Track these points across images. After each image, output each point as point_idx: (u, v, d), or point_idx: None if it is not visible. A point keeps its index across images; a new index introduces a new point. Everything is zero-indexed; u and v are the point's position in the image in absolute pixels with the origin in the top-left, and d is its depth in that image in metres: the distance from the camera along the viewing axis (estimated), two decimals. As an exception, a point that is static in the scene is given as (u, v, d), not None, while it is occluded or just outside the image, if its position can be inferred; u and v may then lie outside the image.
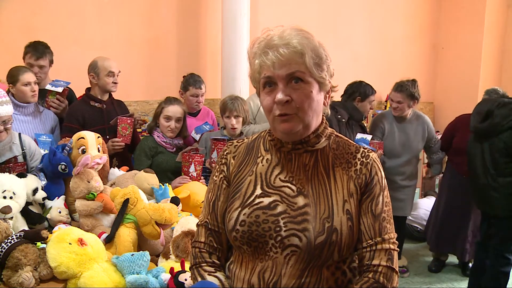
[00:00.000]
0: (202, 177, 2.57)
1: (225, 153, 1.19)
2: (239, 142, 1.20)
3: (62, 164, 2.04)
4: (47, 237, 1.60)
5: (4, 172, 1.97)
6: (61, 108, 2.85)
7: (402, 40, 5.20)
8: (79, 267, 1.51)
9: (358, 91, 3.33)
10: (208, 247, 1.14)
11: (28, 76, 2.59)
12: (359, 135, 3.15)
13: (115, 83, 2.85)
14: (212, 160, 2.60)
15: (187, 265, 1.48)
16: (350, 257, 1.09)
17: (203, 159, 2.57)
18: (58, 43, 2.95)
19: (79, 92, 3.01)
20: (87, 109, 2.77)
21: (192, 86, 3.09)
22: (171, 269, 1.50)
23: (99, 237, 1.70)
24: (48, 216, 1.97)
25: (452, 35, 5.28)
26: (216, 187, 1.17)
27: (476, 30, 4.97)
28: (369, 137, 3.14)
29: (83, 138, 2.14)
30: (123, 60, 3.46)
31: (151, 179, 2.15)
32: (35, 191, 1.99)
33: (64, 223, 1.94)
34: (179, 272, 1.48)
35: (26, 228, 1.86)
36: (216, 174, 1.18)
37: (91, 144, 2.13)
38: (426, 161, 4.14)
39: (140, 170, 2.24)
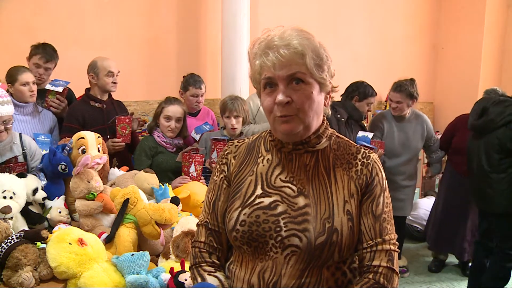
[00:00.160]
0: (202, 177, 2.57)
1: (225, 153, 1.19)
2: (239, 142, 1.20)
3: (62, 164, 2.04)
4: (47, 237, 1.60)
5: (4, 172, 1.97)
6: (61, 108, 2.84)
7: (402, 40, 5.20)
8: (79, 267, 1.51)
9: (358, 90, 3.33)
10: (208, 247, 1.14)
11: (27, 76, 2.59)
12: (360, 133, 3.15)
13: (115, 83, 2.85)
14: (212, 160, 2.60)
15: (187, 265, 1.48)
16: (350, 258, 1.09)
17: (203, 159, 2.57)
18: (58, 43, 2.95)
19: (79, 92, 3.01)
20: (87, 109, 2.77)
21: (192, 86, 3.09)
22: (171, 269, 1.50)
23: (99, 237, 1.70)
24: (48, 216, 1.97)
25: (452, 35, 5.28)
26: (216, 187, 1.17)
27: (476, 30, 4.96)
28: (370, 135, 3.14)
29: (83, 138, 2.14)
30: (123, 60, 3.46)
31: (151, 179, 2.15)
32: (35, 191, 1.99)
33: (64, 223, 1.94)
34: (179, 272, 1.48)
35: (26, 228, 1.86)
36: (216, 174, 1.18)
37: (91, 144, 2.13)
38: (426, 161, 4.14)
39: (140, 170, 2.24)
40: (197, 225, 1.19)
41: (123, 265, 1.53)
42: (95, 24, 3.64)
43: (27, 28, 3.36)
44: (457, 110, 3.84)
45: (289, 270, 1.02)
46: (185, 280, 1.44)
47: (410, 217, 4.19)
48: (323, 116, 1.12)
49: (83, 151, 2.10)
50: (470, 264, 3.67)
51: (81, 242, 1.54)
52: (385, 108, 4.81)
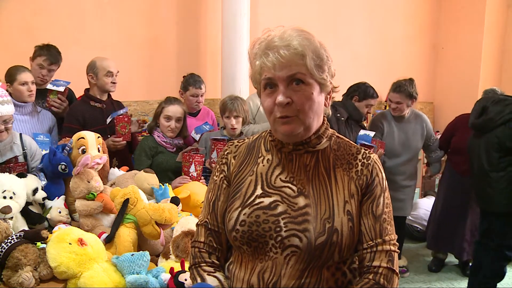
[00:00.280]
0: (202, 177, 2.57)
1: (225, 153, 1.19)
2: (239, 142, 1.20)
3: (62, 164, 2.04)
4: (47, 237, 1.60)
5: (4, 172, 1.97)
6: (63, 108, 2.85)
7: (402, 40, 5.20)
8: (79, 267, 1.51)
9: (358, 90, 3.33)
10: (208, 247, 1.14)
11: (26, 76, 2.60)
12: (362, 132, 3.15)
13: (114, 83, 2.85)
14: (211, 160, 2.60)
15: (187, 265, 1.48)
16: (350, 258, 1.09)
17: (203, 159, 2.57)
18: (58, 43, 2.95)
19: (79, 92, 3.01)
20: (87, 109, 2.78)
21: (192, 86, 3.09)
22: (171, 269, 1.50)
23: (99, 237, 1.70)
24: (48, 216, 1.97)
25: (452, 35, 5.28)
26: (216, 187, 1.16)
27: (476, 30, 4.97)
28: (371, 133, 3.14)
29: (83, 138, 2.14)
30: (123, 60, 3.46)
31: (151, 179, 2.15)
32: (35, 191, 1.99)
33: (64, 223, 1.94)
34: (179, 272, 1.48)
35: (26, 228, 1.86)
36: (216, 174, 1.18)
37: (91, 144, 2.13)
38: (426, 160, 4.14)
39: (140, 170, 2.24)
40: (197, 225, 1.19)
41: (123, 265, 1.53)
42: (95, 24, 3.64)
43: (27, 28, 3.36)
44: (457, 110, 3.84)
45: (289, 270, 1.02)
46: (185, 280, 1.44)
47: (410, 217, 4.19)
48: (324, 116, 1.12)
49: (83, 151, 2.11)
50: (470, 264, 3.69)
51: (81, 242, 1.54)
52: (385, 108, 4.80)
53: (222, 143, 2.57)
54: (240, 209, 1.07)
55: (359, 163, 1.09)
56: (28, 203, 1.95)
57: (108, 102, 2.88)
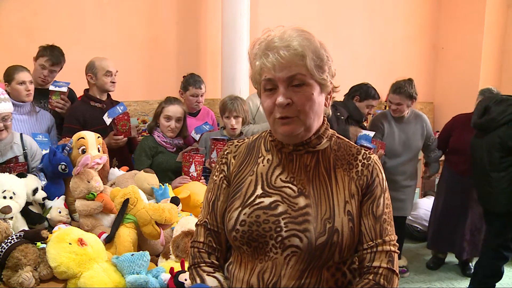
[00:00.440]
0: (202, 177, 2.57)
1: (225, 152, 1.19)
2: (239, 142, 1.20)
3: (62, 164, 2.04)
4: (47, 237, 1.60)
5: (4, 172, 1.97)
6: (66, 108, 2.85)
7: (402, 40, 5.20)
8: (79, 267, 1.51)
9: (360, 90, 3.33)
10: (207, 247, 1.14)
11: (24, 75, 2.60)
12: (362, 132, 3.15)
13: (113, 82, 2.85)
14: (211, 160, 2.60)
15: (187, 265, 1.47)
16: (350, 259, 1.09)
17: (203, 159, 2.57)
18: (58, 43, 2.95)
19: (79, 92, 3.01)
20: (87, 109, 2.78)
21: (192, 86, 3.09)
22: (171, 269, 1.50)
23: (99, 237, 1.70)
24: (48, 216, 1.97)
25: (452, 35, 5.28)
26: (216, 186, 1.16)
27: (476, 30, 4.96)
28: (371, 133, 3.14)
29: (83, 138, 2.14)
30: (123, 60, 3.47)
31: (151, 179, 2.15)
32: (35, 191, 1.99)
33: (64, 223, 1.94)
34: (179, 272, 1.48)
35: (26, 228, 1.86)
36: (216, 173, 1.18)
37: (91, 144, 2.13)
38: (424, 161, 4.14)
39: (140, 170, 2.24)
40: (196, 225, 1.19)
41: (123, 265, 1.53)
42: (95, 24, 3.64)
43: (27, 28, 3.36)
44: (457, 110, 3.84)
45: (289, 270, 1.02)
46: (185, 280, 1.44)
47: (410, 217, 4.19)
48: (324, 116, 1.12)
49: (83, 151, 2.10)
50: (470, 264, 3.69)
51: (81, 242, 1.54)
52: (385, 108, 4.80)
53: (222, 143, 2.57)
54: (240, 209, 1.07)
55: (359, 164, 1.09)
56: (28, 203, 1.95)
57: (108, 102, 2.88)
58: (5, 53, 3.21)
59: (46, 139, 2.51)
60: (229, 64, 3.82)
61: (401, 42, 5.19)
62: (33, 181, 2.01)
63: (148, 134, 2.79)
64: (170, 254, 1.71)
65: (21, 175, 2.00)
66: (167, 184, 2.24)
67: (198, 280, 1.09)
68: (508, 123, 2.80)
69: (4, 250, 1.52)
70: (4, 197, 1.82)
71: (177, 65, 3.97)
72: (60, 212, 1.97)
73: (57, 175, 2.07)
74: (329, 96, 1.10)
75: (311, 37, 1.03)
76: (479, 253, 3.36)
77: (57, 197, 2.05)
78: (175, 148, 2.72)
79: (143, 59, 3.88)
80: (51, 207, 2.00)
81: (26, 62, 2.84)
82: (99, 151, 2.15)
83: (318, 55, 1.01)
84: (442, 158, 3.80)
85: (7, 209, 1.78)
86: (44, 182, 2.10)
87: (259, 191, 1.08)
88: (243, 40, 3.76)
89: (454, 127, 3.59)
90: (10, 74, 2.60)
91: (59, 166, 2.04)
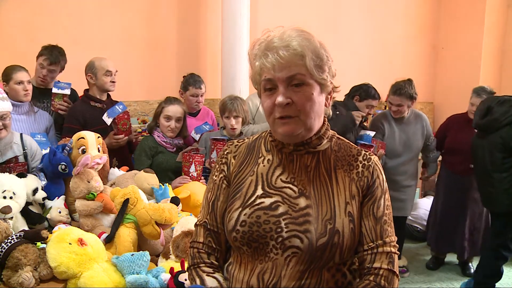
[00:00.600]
0: (202, 177, 2.57)
1: (225, 152, 1.18)
2: (239, 142, 1.20)
3: (62, 164, 2.04)
4: (47, 237, 1.61)
5: (4, 172, 1.97)
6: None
7: (402, 40, 5.20)
8: (79, 267, 1.51)
9: (360, 90, 3.33)
10: (207, 248, 1.14)
11: (21, 75, 2.61)
12: (362, 131, 3.15)
13: (113, 82, 2.85)
14: (211, 160, 2.60)
15: (187, 265, 1.48)
16: (350, 259, 1.09)
17: (203, 159, 2.57)
18: (58, 43, 2.95)
19: (79, 92, 3.01)
20: (87, 109, 2.78)
21: (192, 86, 3.09)
22: (171, 269, 1.50)
23: (99, 237, 1.71)
24: (48, 216, 1.97)
25: (452, 35, 5.27)
26: (215, 186, 1.16)
27: (476, 30, 4.96)
28: (372, 133, 3.15)
29: (83, 138, 2.14)
30: (123, 60, 3.47)
31: (151, 179, 2.15)
32: (35, 191, 1.99)
33: (64, 223, 1.94)
34: (179, 272, 1.48)
35: (26, 228, 1.86)
36: (216, 173, 1.17)
37: (91, 144, 2.13)
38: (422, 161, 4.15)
39: (140, 170, 2.24)
40: (196, 225, 1.18)
41: (123, 265, 1.53)
42: (95, 24, 3.64)
43: (27, 28, 3.36)
44: (457, 110, 3.84)
45: (289, 271, 1.02)
46: (185, 280, 1.44)
47: (410, 217, 4.19)
48: (324, 116, 1.12)
49: (83, 151, 2.10)
50: (470, 264, 3.69)
51: (81, 242, 1.54)
52: (385, 108, 4.80)
53: (222, 143, 2.57)
54: (240, 209, 1.07)
55: (360, 165, 1.09)
56: (28, 203, 1.96)
57: (108, 102, 2.88)
58: (5, 53, 3.22)
59: (45, 139, 2.52)
60: (229, 64, 3.82)
61: (401, 42, 5.18)
62: (33, 181, 2.01)
63: (148, 134, 2.79)
64: (170, 254, 1.71)
65: (21, 175, 2.00)
66: (167, 184, 2.24)
67: (198, 281, 1.09)
68: (510, 124, 2.81)
69: (4, 250, 1.52)
70: (4, 197, 1.82)
71: (177, 65, 3.97)
72: (60, 212, 1.98)
73: (57, 175, 2.07)
74: (329, 96, 1.09)
75: (310, 37, 1.03)
76: (479, 253, 3.37)
77: (57, 197, 2.05)
78: (175, 148, 2.72)
79: (143, 59, 3.88)
80: (51, 207, 2.00)
81: (26, 62, 2.84)
82: (99, 151, 2.15)
83: (317, 55, 1.01)
84: (439, 158, 3.81)
85: (7, 209, 1.78)
86: (44, 182, 2.11)
87: (259, 191, 1.08)
88: (243, 40, 3.76)
89: (449, 127, 3.61)
90: (8, 74, 2.61)
91: (59, 166, 2.04)
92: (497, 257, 2.98)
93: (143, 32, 3.85)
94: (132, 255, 1.56)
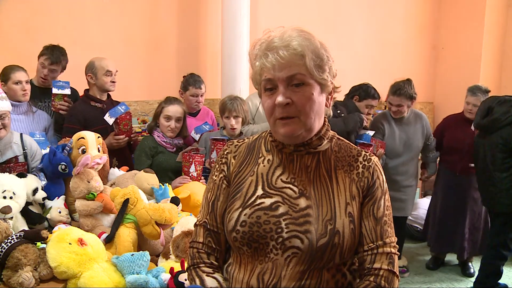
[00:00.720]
0: (202, 177, 2.57)
1: (225, 152, 1.18)
2: (239, 142, 1.19)
3: (62, 164, 2.04)
4: (47, 237, 1.61)
5: (4, 172, 1.97)
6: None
7: (402, 40, 5.19)
8: (79, 267, 1.51)
9: (359, 90, 3.33)
10: (207, 248, 1.13)
11: (20, 75, 2.62)
12: (362, 131, 3.16)
13: (113, 82, 2.85)
14: (211, 160, 2.60)
15: (186, 265, 1.48)
16: (350, 260, 1.09)
17: (203, 159, 2.57)
18: (58, 43, 2.96)
19: (79, 92, 3.01)
20: (87, 109, 2.78)
21: (192, 86, 3.09)
22: (171, 269, 1.50)
23: (99, 237, 1.71)
24: (48, 216, 1.98)
25: (452, 35, 5.27)
26: (215, 186, 1.16)
27: (476, 30, 4.96)
28: (371, 132, 3.15)
29: (83, 138, 2.14)
30: (123, 60, 3.46)
31: (151, 179, 2.15)
32: (35, 191, 1.99)
33: (64, 223, 1.94)
34: (179, 272, 1.48)
35: (26, 228, 1.86)
36: (216, 173, 1.17)
37: (91, 144, 2.13)
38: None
39: (140, 170, 2.24)
40: (195, 225, 1.18)
41: (123, 265, 1.53)
42: (96, 24, 3.64)
43: (27, 28, 3.36)
44: (457, 110, 3.84)
45: (289, 272, 1.01)
46: (185, 280, 1.44)
47: (410, 217, 4.19)
48: (325, 117, 1.12)
49: (83, 151, 2.10)
50: (470, 263, 3.69)
51: (81, 242, 1.54)
52: (385, 108, 4.80)
53: (222, 143, 2.57)
54: (240, 209, 1.07)
55: (360, 165, 1.09)
56: (28, 203, 1.95)
57: (108, 102, 2.88)
58: (5, 53, 3.21)
59: (43, 138, 2.52)
60: (229, 64, 3.82)
61: (401, 42, 5.18)
62: (33, 181, 2.01)
63: (148, 134, 2.79)
64: (170, 254, 1.71)
65: (21, 175, 2.00)
66: (167, 184, 2.24)
67: (197, 281, 1.09)
68: (511, 124, 2.81)
69: (4, 250, 1.52)
70: (4, 197, 1.82)
71: (177, 65, 3.97)
72: (60, 212, 1.98)
73: (57, 175, 2.07)
74: (330, 97, 1.09)
75: (311, 37, 1.03)
76: (479, 252, 3.37)
77: (57, 197, 2.05)
78: (175, 148, 2.72)
79: (143, 59, 3.88)
80: (51, 207, 2.00)
81: (26, 62, 2.85)
82: (99, 151, 2.15)
83: (318, 55, 1.01)
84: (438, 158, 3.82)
85: (7, 209, 1.78)
86: (44, 182, 2.11)
87: (259, 191, 1.08)
88: (243, 40, 3.76)
89: (445, 127, 3.63)
90: (6, 74, 2.62)
91: (59, 166, 2.04)
92: (497, 256, 2.99)
93: (143, 32, 3.85)
94: (132, 255, 1.56)
